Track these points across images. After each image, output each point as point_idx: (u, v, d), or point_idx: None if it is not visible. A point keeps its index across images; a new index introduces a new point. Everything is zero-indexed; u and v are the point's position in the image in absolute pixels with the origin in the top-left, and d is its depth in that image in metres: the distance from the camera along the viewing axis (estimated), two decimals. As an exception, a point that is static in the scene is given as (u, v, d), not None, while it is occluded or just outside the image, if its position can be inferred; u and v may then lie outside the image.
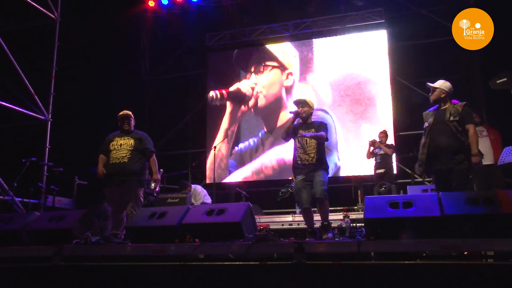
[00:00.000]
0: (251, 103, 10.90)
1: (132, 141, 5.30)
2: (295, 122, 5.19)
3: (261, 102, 10.82)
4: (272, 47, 11.08)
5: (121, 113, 5.49)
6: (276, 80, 10.87)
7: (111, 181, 5.19)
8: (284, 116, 10.29)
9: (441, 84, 4.85)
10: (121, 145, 5.27)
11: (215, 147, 9.06)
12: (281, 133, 5.28)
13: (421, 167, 4.66)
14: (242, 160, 10.55)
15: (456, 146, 4.45)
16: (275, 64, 10.95)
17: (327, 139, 4.98)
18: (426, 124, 4.78)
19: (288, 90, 10.73)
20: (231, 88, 11.11)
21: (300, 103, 5.12)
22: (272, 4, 11.19)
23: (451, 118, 4.56)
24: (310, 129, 5.00)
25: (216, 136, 10.76)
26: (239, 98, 10.98)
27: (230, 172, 10.58)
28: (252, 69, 11.04)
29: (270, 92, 10.87)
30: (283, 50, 11.01)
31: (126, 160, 5.17)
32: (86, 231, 4.58)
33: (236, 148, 10.66)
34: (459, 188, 4.23)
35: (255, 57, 11.15)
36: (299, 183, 4.87)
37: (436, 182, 4.75)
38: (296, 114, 5.10)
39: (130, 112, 5.54)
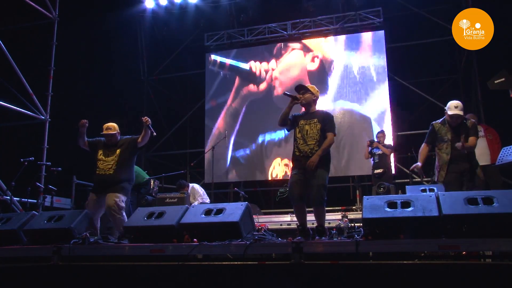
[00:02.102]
0: (262, 86, 10.66)
1: (118, 151, 5.29)
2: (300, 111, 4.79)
3: (277, 90, 10.44)
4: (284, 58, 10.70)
5: (104, 131, 5.38)
6: (297, 63, 10.44)
7: (96, 190, 5.23)
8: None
9: (462, 106, 4.96)
10: (108, 155, 5.29)
11: (213, 147, 9.06)
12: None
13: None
14: (241, 159, 10.55)
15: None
16: (297, 45, 10.61)
17: (334, 134, 4.54)
18: (445, 138, 4.99)
19: (313, 75, 10.31)
20: (241, 64, 10.93)
21: (302, 89, 4.69)
22: (270, 4, 11.21)
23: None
24: (312, 119, 4.58)
25: (215, 135, 10.75)
26: (249, 76, 10.79)
27: (228, 172, 10.58)
28: (274, 51, 10.85)
29: (288, 76, 10.38)
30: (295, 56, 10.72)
31: (112, 172, 5.19)
32: (84, 231, 4.58)
33: (235, 148, 10.65)
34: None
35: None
36: (294, 177, 4.45)
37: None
38: (293, 99, 4.61)
39: (112, 126, 5.41)
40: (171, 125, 11.75)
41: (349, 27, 10.59)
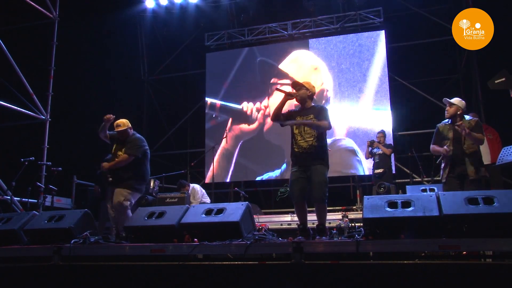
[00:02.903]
0: (253, 125, 10.63)
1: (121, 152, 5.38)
2: (294, 107, 4.77)
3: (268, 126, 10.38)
4: (286, 64, 10.66)
5: (115, 129, 5.40)
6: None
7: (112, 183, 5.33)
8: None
9: (458, 102, 4.99)
10: (120, 149, 5.37)
11: (213, 147, 9.07)
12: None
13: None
14: (241, 159, 10.55)
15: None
16: (287, 82, 10.31)
17: (330, 127, 4.48)
18: (447, 136, 4.99)
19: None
20: (234, 105, 10.87)
21: (297, 85, 4.65)
22: (270, 4, 11.21)
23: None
24: (309, 115, 4.51)
25: (215, 135, 10.75)
26: (241, 117, 10.73)
27: (229, 172, 10.58)
28: (269, 91, 10.70)
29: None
30: (299, 62, 10.64)
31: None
32: (85, 231, 4.58)
33: (237, 148, 10.66)
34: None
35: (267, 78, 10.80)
36: (294, 174, 4.43)
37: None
38: (287, 95, 4.57)
39: (121, 123, 5.42)
40: (171, 125, 11.75)
41: (350, 27, 10.60)
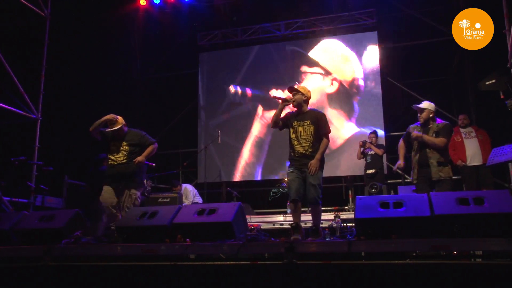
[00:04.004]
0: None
1: (126, 146, 5.38)
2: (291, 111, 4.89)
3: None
4: (316, 52, 10.43)
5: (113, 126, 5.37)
6: (315, 88, 10.02)
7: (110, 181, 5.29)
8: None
9: (428, 105, 5.17)
10: (119, 148, 5.37)
11: (206, 147, 9.05)
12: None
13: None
14: (234, 159, 10.54)
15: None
16: (314, 70, 10.29)
17: (329, 136, 4.66)
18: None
19: (331, 97, 10.15)
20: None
21: (293, 90, 4.76)
22: (264, 4, 11.21)
23: (434, 136, 5.06)
24: (305, 121, 4.66)
25: (208, 135, 10.73)
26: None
27: (221, 172, 10.57)
28: (300, 79, 10.50)
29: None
30: (328, 50, 10.42)
31: (125, 162, 5.29)
32: (76, 231, 4.55)
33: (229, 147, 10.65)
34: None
35: (290, 65, 10.64)
36: (292, 174, 4.60)
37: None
38: (283, 101, 4.70)
39: (115, 121, 5.41)
40: (164, 124, 11.71)
41: (343, 27, 10.63)
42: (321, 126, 4.64)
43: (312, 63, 10.50)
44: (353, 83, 10.17)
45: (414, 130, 5.14)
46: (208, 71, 11.30)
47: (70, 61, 9.68)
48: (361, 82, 10.13)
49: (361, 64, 10.19)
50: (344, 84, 10.21)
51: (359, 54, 10.24)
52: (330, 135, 4.72)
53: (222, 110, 10.92)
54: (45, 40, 8.98)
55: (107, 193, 5.16)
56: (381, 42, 10.26)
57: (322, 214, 7.41)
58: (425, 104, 5.15)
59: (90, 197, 6.96)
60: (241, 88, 10.87)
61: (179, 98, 12.00)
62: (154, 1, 11.10)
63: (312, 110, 4.81)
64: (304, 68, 10.54)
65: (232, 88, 10.92)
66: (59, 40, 9.23)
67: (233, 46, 11.32)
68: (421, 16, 10.28)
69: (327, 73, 10.35)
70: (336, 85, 10.25)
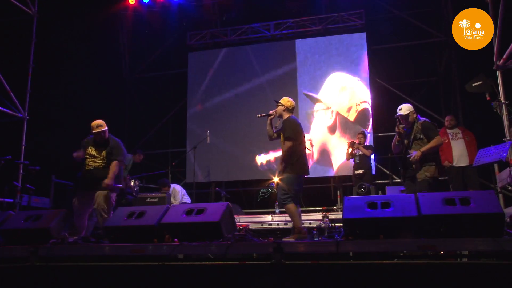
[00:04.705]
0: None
1: (104, 153, 5.39)
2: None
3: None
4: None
5: (95, 129, 5.38)
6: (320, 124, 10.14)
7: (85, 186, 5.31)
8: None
9: (408, 108, 5.17)
10: (95, 155, 5.38)
11: (195, 147, 9.03)
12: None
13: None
14: (222, 159, 10.52)
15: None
16: (318, 108, 10.25)
17: (292, 140, 4.81)
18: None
19: (332, 129, 10.10)
20: None
21: (277, 102, 5.08)
22: (253, 4, 11.22)
23: (419, 136, 5.06)
24: (281, 129, 4.98)
25: (197, 135, 10.70)
26: None
27: (210, 172, 10.54)
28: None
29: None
30: (328, 86, 10.34)
31: (101, 167, 5.32)
32: (63, 231, 4.51)
33: (217, 148, 10.63)
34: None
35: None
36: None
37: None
38: (267, 116, 5.09)
39: (102, 123, 5.44)
40: (153, 124, 11.66)
41: (332, 28, 10.68)
42: (285, 132, 4.88)
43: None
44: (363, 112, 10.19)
45: (412, 152, 5.02)
46: (197, 71, 11.27)
47: (58, 60, 9.59)
48: (367, 106, 10.08)
49: (350, 64, 10.24)
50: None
51: (348, 55, 10.29)
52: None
53: (211, 110, 10.89)
54: (32, 39, 8.88)
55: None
56: (369, 43, 10.32)
57: (311, 214, 7.50)
58: (405, 108, 5.14)
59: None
60: (229, 87, 10.87)
61: (168, 98, 11.96)
62: (143, 0, 11.05)
63: (285, 118, 5.01)
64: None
65: (221, 88, 10.91)
66: (46, 39, 9.14)
67: (222, 46, 11.32)
68: (410, 18, 10.38)
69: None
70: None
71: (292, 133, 4.81)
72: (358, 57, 10.22)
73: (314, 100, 10.36)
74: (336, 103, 10.17)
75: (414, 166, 4.95)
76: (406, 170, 5.11)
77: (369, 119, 9.85)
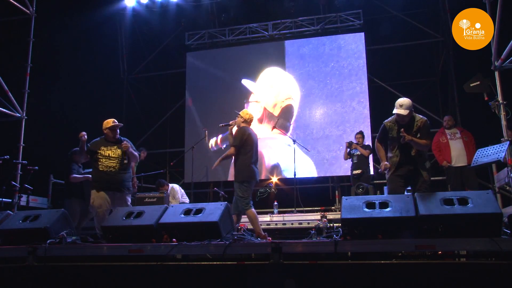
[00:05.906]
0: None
1: (119, 151, 5.33)
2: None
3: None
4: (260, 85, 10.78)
5: (111, 124, 5.36)
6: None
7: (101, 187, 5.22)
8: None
9: (408, 103, 4.62)
10: (109, 155, 5.29)
11: (193, 147, 9.02)
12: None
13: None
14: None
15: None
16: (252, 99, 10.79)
17: (235, 147, 5.17)
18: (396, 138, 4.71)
19: (260, 120, 10.57)
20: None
21: (237, 115, 5.47)
22: (251, 4, 11.22)
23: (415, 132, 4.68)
24: None
25: (195, 135, 10.69)
26: None
27: (208, 172, 10.54)
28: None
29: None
30: (261, 81, 10.79)
31: (117, 169, 5.27)
32: (61, 231, 4.50)
33: (215, 147, 10.63)
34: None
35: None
36: None
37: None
38: (228, 125, 5.47)
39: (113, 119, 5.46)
40: (151, 124, 11.65)
41: (330, 28, 10.69)
42: (233, 138, 5.27)
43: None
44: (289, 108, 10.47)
45: (394, 129, 4.69)
46: (195, 71, 11.26)
47: (56, 60, 9.57)
48: (295, 104, 10.45)
49: (348, 64, 10.25)
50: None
51: (346, 55, 10.30)
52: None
53: (209, 109, 10.89)
54: (30, 38, 8.86)
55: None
56: (367, 43, 10.33)
57: (309, 214, 7.52)
58: (405, 104, 4.59)
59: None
60: (227, 87, 10.87)
61: (166, 98, 11.96)
62: (141, 1, 11.03)
63: (238, 128, 5.37)
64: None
65: (219, 88, 10.91)
66: (44, 39, 9.11)
67: (220, 46, 11.31)
68: (408, 18, 10.39)
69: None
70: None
71: (236, 141, 5.18)
72: (356, 57, 10.23)
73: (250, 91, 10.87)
74: (264, 99, 10.71)
75: (413, 152, 4.58)
76: (401, 168, 4.62)
77: (293, 114, 10.43)
